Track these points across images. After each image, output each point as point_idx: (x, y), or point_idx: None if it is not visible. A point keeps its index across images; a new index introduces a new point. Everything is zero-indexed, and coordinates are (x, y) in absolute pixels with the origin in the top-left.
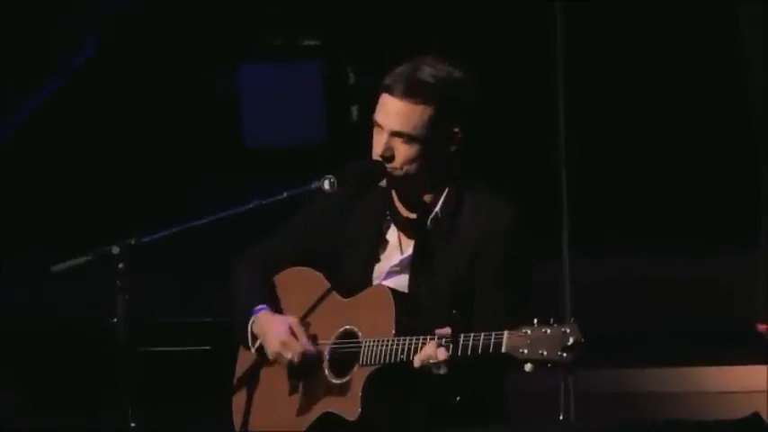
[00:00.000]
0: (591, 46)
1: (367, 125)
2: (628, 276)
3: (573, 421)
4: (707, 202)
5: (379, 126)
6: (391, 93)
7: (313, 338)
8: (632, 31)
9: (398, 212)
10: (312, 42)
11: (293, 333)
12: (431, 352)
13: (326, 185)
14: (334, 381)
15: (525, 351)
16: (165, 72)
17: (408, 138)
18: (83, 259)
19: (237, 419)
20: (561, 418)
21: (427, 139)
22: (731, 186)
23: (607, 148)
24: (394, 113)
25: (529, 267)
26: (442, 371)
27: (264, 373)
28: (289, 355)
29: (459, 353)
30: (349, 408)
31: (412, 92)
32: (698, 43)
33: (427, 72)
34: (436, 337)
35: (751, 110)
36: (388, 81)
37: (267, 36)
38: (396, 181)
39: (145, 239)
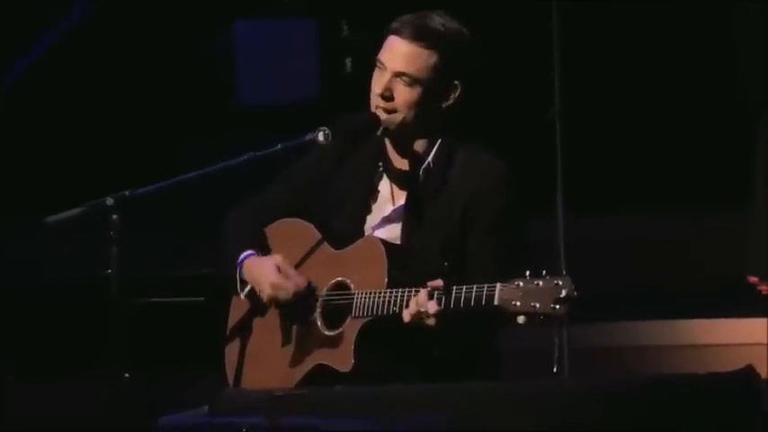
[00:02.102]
0: (588, 8)
1: (362, 82)
2: (621, 236)
3: (567, 376)
4: (698, 164)
5: (383, 66)
6: (399, 35)
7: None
8: None
9: (391, 163)
10: None
11: (281, 272)
12: (422, 301)
13: (321, 137)
14: (326, 332)
15: (517, 303)
16: (156, 32)
17: (411, 80)
18: (77, 211)
19: (230, 371)
20: (555, 372)
21: (428, 86)
22: (721, 148)
23: (602, 107)
24: (400, 54)
25: (522, 221)
26: (433, 323)
27: (257, 325)
28: (282, 295)
29: (452, 305)
30: (342, 360)
31: (421, 36)
32: (693, 12)
33: (437, 21)
34: (428, 288)
35: (740, 69)
36: (396, 24)
37: None
38: (392, 127)
39: (139, 191)
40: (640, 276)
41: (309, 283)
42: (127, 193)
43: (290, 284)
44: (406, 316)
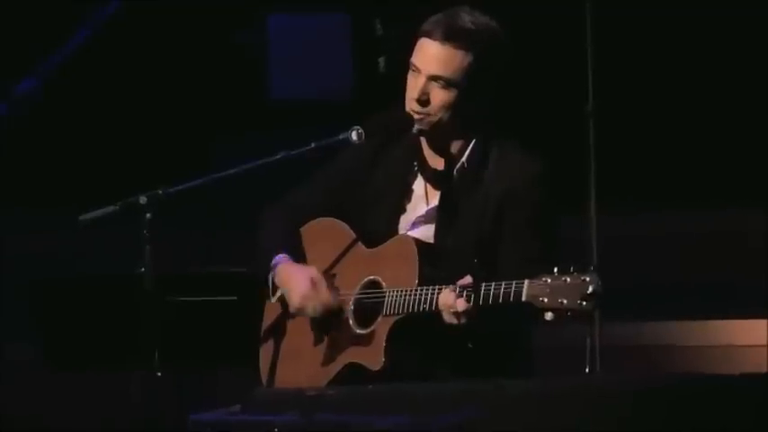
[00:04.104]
0: (621, 6)
1: (394, 77)
2: (654, 232)
3: (602, 373)
4: (731, 159)
5: (417, 70)
6: (431, 37)
7: (337, 289)
8: None
9: (426, 162)
10: None
11: (314, 285)
12: (449, 301)
13: (354, 136)
14: (358, 331)
15: (545, 300)
16: (190, 26)
17: (446, 82)
18: (110, 209)
19: (264, 370)
20: (587, 371)
21: (464, 86)
22: (755, 144)
23: (635, 103)
24: (433, 57)
25: (555, 218)
26: (462, 320)
27: (290, 324)
28: (309, 310)
29: (481, 302)
30: (373, 358)
31: (453, 37)
32: (726, 9)
33: (467, 19)
34: (457, 288)
35: None
36: (426, 26)
37: None
38: (427, 128)
39: (172, 190)
40: (673, 273)
41: (339, 299)
42: (160, 191)
43: (319, 299)
44: (446, 316)
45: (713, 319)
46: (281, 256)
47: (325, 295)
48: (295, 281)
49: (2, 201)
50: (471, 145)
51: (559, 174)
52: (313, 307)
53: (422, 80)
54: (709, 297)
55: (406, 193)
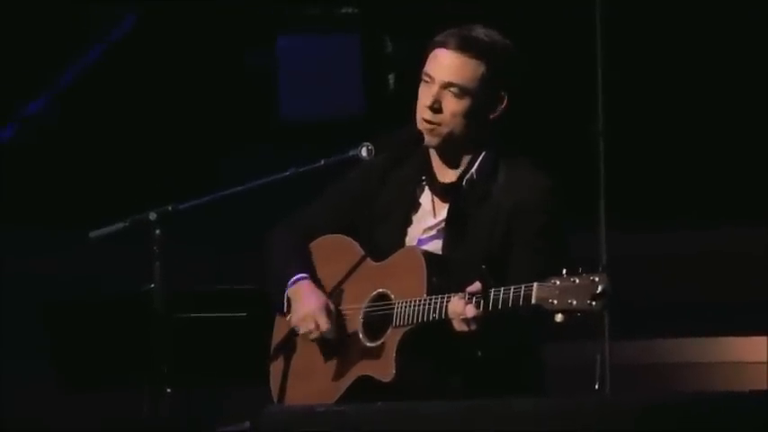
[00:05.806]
0: (630, 20)
1: (405, 96)
2: (663, 250)
3: (608, 392)
4: (740, 178)
5: (430, 78)
6: (446, 47)
7: (347, 303)
8: (672, 7)
9: (434, 176)
10: (349, 11)
11: (327, 311)
12: (458, 309)
13: (364, 153)
14: (368, 344)
15: (555, 301)
16: (201, 44)
17: (459, 90)
18: (120, 225)
19: (274, 386)
20: (597, 388)
21: (476, 97)
22: (765, 163)
23: (645, 121)
24: (447, 65)
25: (565, 231)
26: (473, 327)
27: (301, 341)
28: (309, 327)
29: (491, 307)
30: (384, 369)
31: (467, 46)
32: (738, 25)
33: (481, 32)
34: (467, 294)
35: None
36: (441, 38)
37: (304, 6)
38: (438, 141)
39: (182, 206)
40: (683, 292)
41: (337, 331)
42: (170, 207)
43: (323, 325)
44: (457, 324)
45: (719, 336)
46: (303, 275)
47: (326, 324)
48: (307, 300)
49: (9, 221)
50: (481, 157)
51: (569, 190)
52: (313, 329)
53: (435, 88)
54: (716, 315)
55: (413, 206)
